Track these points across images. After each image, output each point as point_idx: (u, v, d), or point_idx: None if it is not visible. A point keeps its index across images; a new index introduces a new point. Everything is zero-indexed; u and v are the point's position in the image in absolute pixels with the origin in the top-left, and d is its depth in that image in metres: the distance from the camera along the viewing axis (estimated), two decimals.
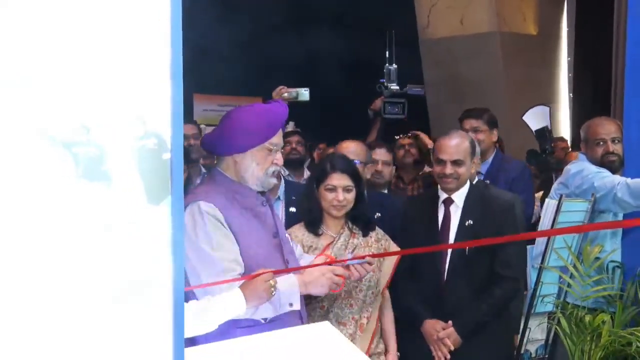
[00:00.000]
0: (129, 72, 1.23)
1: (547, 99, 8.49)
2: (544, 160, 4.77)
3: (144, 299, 1.23)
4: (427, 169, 4.78)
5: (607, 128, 3.48)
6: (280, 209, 3.48)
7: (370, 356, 2.93)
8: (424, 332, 3.16)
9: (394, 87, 4.27)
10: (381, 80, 4.31)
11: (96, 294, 1.20)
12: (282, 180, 3.57)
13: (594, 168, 3.44)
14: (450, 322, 3.11)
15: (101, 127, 1.20)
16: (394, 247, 3.10)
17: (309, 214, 3.03)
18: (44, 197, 1.16)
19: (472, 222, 3.14)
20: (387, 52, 4.31)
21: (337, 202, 2.93)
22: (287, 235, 2.75)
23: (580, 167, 3.49)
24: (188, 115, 5.59)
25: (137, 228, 1.22)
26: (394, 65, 4.28)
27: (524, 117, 5.14)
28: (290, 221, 3.28)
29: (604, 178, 3.31)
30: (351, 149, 3.56)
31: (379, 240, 3.07)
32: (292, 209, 3.44)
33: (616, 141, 3.45)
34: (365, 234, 3.03)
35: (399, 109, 4.29)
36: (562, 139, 6.13)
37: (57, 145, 1.17)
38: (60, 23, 1.18)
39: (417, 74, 8.20)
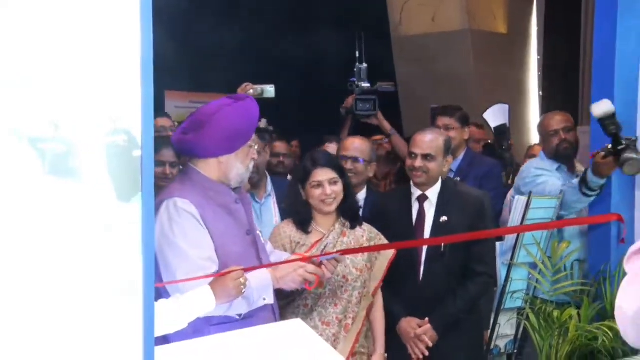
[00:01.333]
0: (98, 67, 1.21)
1: (517, 97, 8.58)
2: (499, 155, 4.94)
3: (113, 298, 1.22)
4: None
5: (557, 119, 3.77)
6: (272, 205, 3.47)
7: (353, 355, 2.91)
8: (399, 330, 3.15)
9: (365, 84, 4.29)
10: (352, 79, 4.32)
11: (63, 293, 1.18)
12: (268, 177, 3.55)
13: (534, 171, 3.65)
14: (427, 319, 3.12)
15: (69, 123, 1.19)
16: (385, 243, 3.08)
17: (298, 215, 3.00)
18: (10, 194, 1.14)
19: (446, 219, 3.16)
20: (357, 52, 4.33)
21: (326, 197, 2.91)
22: (258, 232, 2.73)
23: (524, 168, 3.80)
24: (160, 112, 5.54)
25: (106, 226, 1.21)
26: (364, 65, 4.30)
27: (484, 115, 5.28)
28: (284, 216, 3.28)
29: (538, 185, 3.52)
30: (356, 145, 3.55)
31: (371, 239, 3.03)
32: (284, 205, 3.42)
33: (567, 130, 3.72)
34: (353, 227, 3.00)
35: (370, 106, 4.31)
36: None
37: (24, 142, 1.15)
38: (28, 19, 1.16)
39: (388, 71, 8.23)
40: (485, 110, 5.14)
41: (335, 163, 3.03)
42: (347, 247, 2.91)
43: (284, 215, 3.32)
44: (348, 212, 3.02)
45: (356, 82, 4.28)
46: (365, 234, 3.03)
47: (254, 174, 3.30)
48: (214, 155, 2.52)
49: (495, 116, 5.25)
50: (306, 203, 2.97)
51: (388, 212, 3.29)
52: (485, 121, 5.18)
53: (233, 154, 2.52)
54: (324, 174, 2.93)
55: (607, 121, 3.07)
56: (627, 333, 1.51)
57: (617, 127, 3.07)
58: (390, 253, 3.04)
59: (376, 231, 3.08)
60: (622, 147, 3.02)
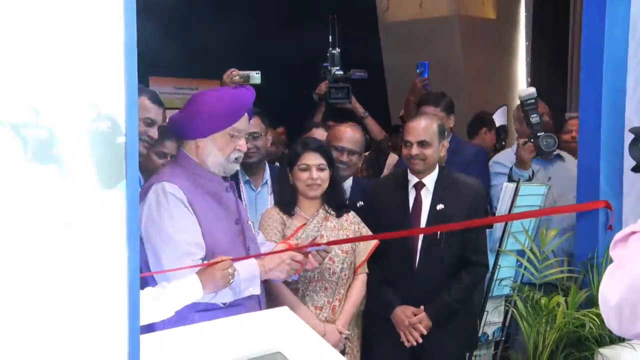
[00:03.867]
0: (81, 52, 1.21)
1: (505, 83, 8.61)
2: (499, 150, 5.29)
3: (98, 286, 1.21)
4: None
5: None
6: (267, 195, 3.47)
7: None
8: (394, 318, 3.16)
9: (338, 72, 4.27)
10: (324, 65, 4.31)
11: (47, 281, 1.18)
12: (267, 166, 3.55)
13: (492, 164, 4.01)
14: (422, 307, 3.13)
15: (51, 109, 1.18)
16: (367, 232, 3.11)
17: (282, 195, 3.06)
18: None
19: (443, 207, 3.15)
20: (329, 37, 4.30)
21: (312, 181, 2.95)
22: (249, 222, 2.74)
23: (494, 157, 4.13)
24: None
25: (90, 213, 1.20)
26: (337, 50, 4.28)
27: (494, 116, 5.97)
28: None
29: (492, 182, 3.92)
30: (349, 135, 3.54)
31: (353, 223, 3.08)
32: None
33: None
34: (339, 215, 3.04)
35: (343, 94, 4.31)
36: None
37: (5, 128, 1.14)
38: (7, 4, 1.15)
39: (361, 58, 8.21)
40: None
41: (325, 151, 3.06)
42: (330, 232, 2.96)
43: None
44: (333, 201, 3.05)
45: (329, 68, 4.27)
46: (349, 217, 3.08)
47: (251, 160, 3.31)
48: (192, 136, 2.54)
49: (499, 118, 5.96)
50: (292, 186, 3.01)
51: (384, 198, 3.28)
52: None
53: (208, 138, 2.53)
54: (312, 159, 2.97)
55: (529, 107, 3.48)
56: (610, 322, 1.52)
57: (539, 115, 3.52)
58: (372, 240, 3.07)
59: (358, 218, 3.12)
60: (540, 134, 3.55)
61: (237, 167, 2.68)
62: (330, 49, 4.28)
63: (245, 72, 3.82)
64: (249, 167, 3.38)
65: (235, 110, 2.56)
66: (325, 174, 2.98)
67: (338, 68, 4.26)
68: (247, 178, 3.40)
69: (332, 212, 3.03)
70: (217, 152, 2.54)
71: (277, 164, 4.70)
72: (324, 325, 2.91)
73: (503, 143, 5.94)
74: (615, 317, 1.49)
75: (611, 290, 1.50)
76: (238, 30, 7.60)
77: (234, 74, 3.81)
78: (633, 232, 1.56)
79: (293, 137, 5.93)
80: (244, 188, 3.36)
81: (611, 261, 1.57)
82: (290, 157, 3.05)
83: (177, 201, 2.45)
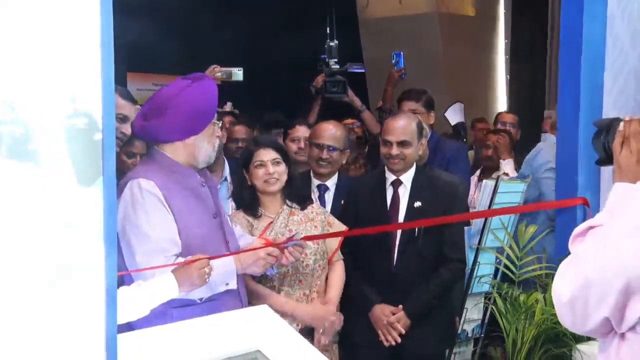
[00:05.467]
0: (56, 46, 1.20)
1: (485, 81, 8.66)
2: None
3: (75, 286, 1.21)
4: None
5: None
6: (228, 191, 3.46)
7: None
8: (372, 317, 3.17)
9: (335, 66, 4.26)
10: (322, 57, 4.30)
11: (23, 280, 1.17)
12: (225, 161, 3.54)
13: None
14: (400, 306, 3.14)
15: (27, 105, 1.17)
16: (335, 220, 3.14)
17: (243, 199, 3.05)
18: None
19: (420, 204, 3.17)
20: (327, 29, 4.29)
21: (268, 176, 2.96)
22: (227, 216, 2.76)
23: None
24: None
25: (67, 211, 1.19)
26: (335, 42, 4.26)
27: (445, 114, 5.91)
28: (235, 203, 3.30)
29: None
30: (330, 132, 3.55)
31: (319, 213, 3.11)
32: None
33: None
34: (303, 208, 3.06)
35: (339, 88, 4.30)
36: (483, 120, 6.49)
37: None
38: None
39: (358, 51, 8.22)
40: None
41: (277, 145, 3.10)
42: (299, 225, 2.98)
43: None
44: (295, 196, 3.08)
45: (326, 60, 4.26)
46: (314, 208, 3.11)
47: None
48: (180, 138, 2.53)
49: (454, 115, 5.89)
50: (251, 187, 3.02)
51: (362, 196, 3.30)
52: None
53: (199, 134, 2.54)
54: (266, 154, 2.98)
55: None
56: (563, 318, 1.53)
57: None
58: (342, 228, 3.11)
59: (321, 206, 3.20)
60: None
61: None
62: (328, 40, 4.26)
63: (228, 69, 3.81)
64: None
65: (215, 101, 2.59)
66: (282, 168, 2.99)
67: (336, 61, 4.25)
68: None
69: (296, 206, 3.05)
70: (207, 145, 2.57)
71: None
72: (311, 306, 2.94)
73: (464, 140, 5.96)
74: (568, 314, 1.51)
75: (564, 286, 1.51)
76: (218, 26, 7.56)
77: (216, 70, 3.81)
78: (591, 227, 1.57)
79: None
80: None
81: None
82: (244, 156, 3.06)
83: (153, 197, 2.45)
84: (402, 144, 3.17)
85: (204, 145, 2.56)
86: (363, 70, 4.54)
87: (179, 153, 2.55)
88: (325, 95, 4.33)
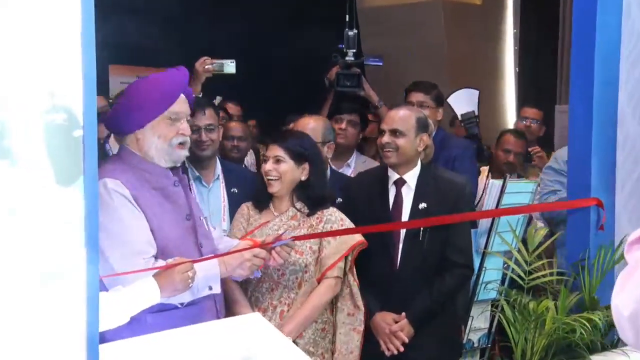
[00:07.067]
0: (34, 39, 1.20)
1: (492, 73, 8.65)
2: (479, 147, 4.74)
3: (54, 291, 1.21)
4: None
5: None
6: (221, 190, 3.46)
7: None
8: (373, 325, 3.15)
9: (350, 58, 4.16)
10: (340, 46, 4.21)
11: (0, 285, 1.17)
12: (217, 160, 3.54)
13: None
14: (403, 314, 3.13)
15: (3, 100, 1.17)
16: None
17: (256, 191, 3.06)
18: None
19: (425, 206, 3.14)
20: (347, 16, 4.17)
21: (265, 173, 2.95)
22: (202, 218, 2.72)
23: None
24: (103, 88, 5.45)
25: (45, 211, 1.19)
26: (354, 30, 4.15)
27: (448, 100, 4.78)
28: (232, 201, 3.28)
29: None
30: (310, 125, 3.55)
31: (325, 222, 2.97)
32: (234, 190, 3.41)
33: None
34: (311, 214, 2.98)
35: (353, 82, 4.19)
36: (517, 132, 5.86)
37: None
38: None
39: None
40: (458, 87, 4.97)
41: (287, 143, 3.00)
42: (294, 231, 2.90)
43: (234, 199, 3.32)
44: (307, 198, 2.99)
45: (344, 49, 4.18)
46: (324, 217, 2.99)
47: (205, 153, 3.31)
48: (130, 130, 2.55)
49: (461, 102, 4.83)
50: (262, 180, 3.02)
51: (362, 196, 3.25)
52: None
53: (146, 127, 2.53)
54: (272, 150, 2.98)
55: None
56: (626, 333, 1.46)
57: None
58: (352, 239, 2.97)
59: (340, 216, 3.02)
60: None
61: (184, 153, 2.62)
62: (347, 29, 4.17)
63: (220, 61, 3.79)
64: (199, 162, 3.36)
65: (168, 93, 2.55)
66: (284, 167, 2.94)
67: (354, 52, 4.17)
68: (197, 174, 3.38)
69: (305, 210, 2.98)
70: (158, 140, 2.54)
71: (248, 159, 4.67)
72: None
73: (476, 134, 5.54)
74: (631, 330, 1.44)
75: (624, 299, 1.44)
76: (201, 17, 7.54)
77: (207, 62, 3.79)
78: None
79: (266, 130, 5.92)
80: (193, 185, 3.34)
81: (612, 264, 1.55)
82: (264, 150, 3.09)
83: (121, 197, 2.44)
84: (395, 132, 3.14)
85: (154, 141, 2.53)
86: (381, 64, 4.41)
87: (135, 147, 2.56)
88: (337, 89, 4.25)
